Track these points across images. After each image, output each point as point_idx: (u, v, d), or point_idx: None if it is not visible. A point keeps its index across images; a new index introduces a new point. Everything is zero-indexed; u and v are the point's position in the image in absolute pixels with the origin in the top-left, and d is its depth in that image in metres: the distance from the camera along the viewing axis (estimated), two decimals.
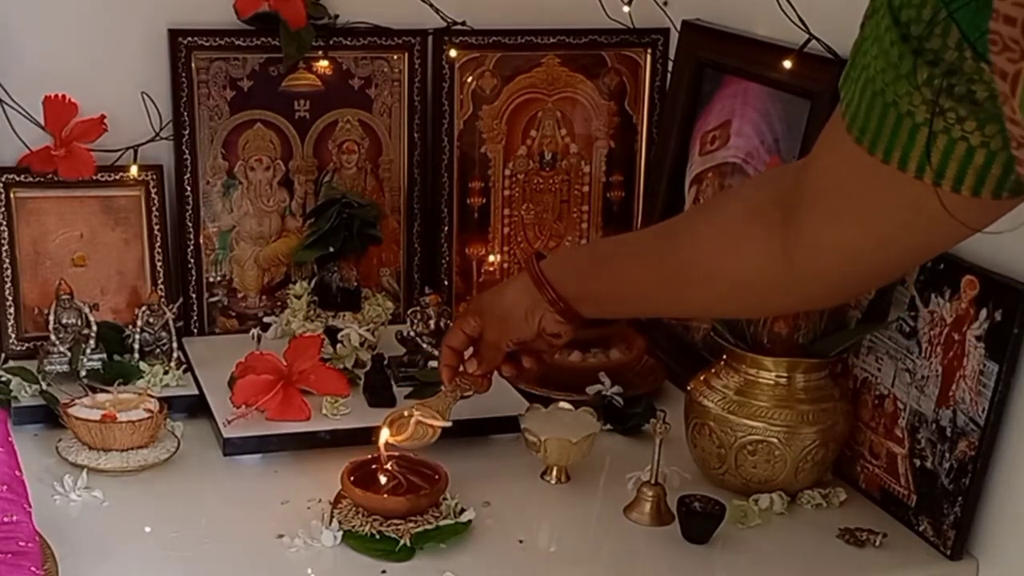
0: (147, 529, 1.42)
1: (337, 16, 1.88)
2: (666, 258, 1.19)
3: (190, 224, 1.86)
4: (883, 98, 0.80)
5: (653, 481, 1.47)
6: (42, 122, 1.77)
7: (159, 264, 1.83)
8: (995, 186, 0.80)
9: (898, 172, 0.82)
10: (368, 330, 1.78)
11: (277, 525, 1.42)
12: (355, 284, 1.86)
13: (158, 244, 1.83)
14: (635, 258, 1.26)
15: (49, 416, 1.62)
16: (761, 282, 1.07)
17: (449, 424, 1.49)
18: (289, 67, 1.86)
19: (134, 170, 1.81)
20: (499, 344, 1.44)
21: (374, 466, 1.45)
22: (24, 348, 1.77)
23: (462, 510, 1.43)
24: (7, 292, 1.77)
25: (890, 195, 0.85)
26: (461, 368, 1.51)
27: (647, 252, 1.24)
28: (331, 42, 1.87)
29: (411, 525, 1.39)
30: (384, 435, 1.45)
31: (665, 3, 1.99)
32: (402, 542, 1.37)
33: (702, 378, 1.56)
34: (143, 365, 1.70)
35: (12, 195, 1.77)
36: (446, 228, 1.98)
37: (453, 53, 1.92)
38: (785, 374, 1.50)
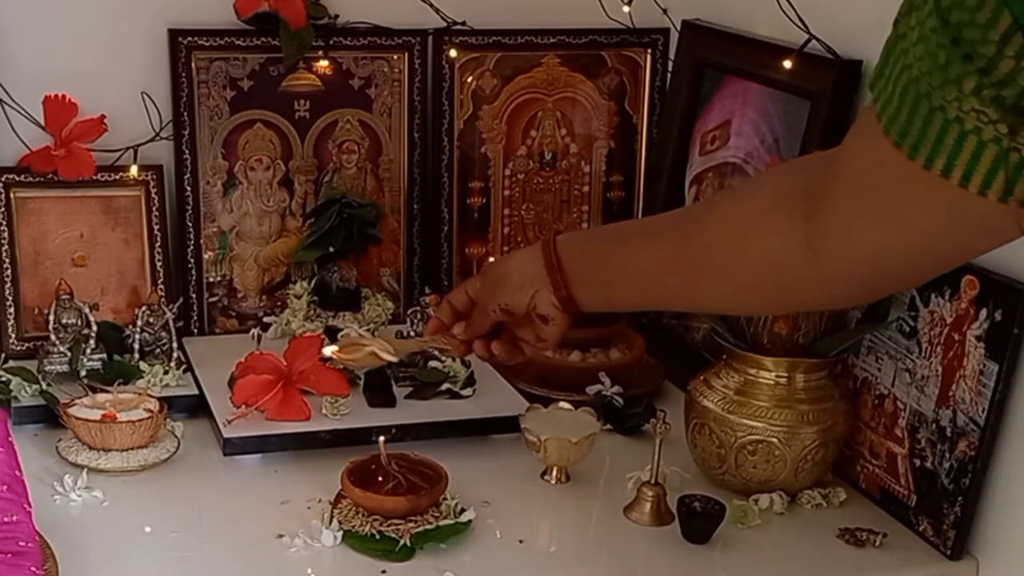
0: (147, 529, 1.42)
1: (337, 16, 1.88)
2: (686, 241, 1.13)
3: (190, 224, 1.86)
4: (929, 101, 0.77)
5: (653, 481, 1.47)
6: (42, 122, 1.77)
7: (159, 264, 1.83)
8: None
9: (940, 178, 0.79)
10: (368, 330, 1.78)
11: (277, 525, 1.42)
12: (355, 284, 1.86)
13: (158, 244, 1.83)
14: (653, 238, 1.19)
15: (49, 416, 1.62)
16: (784, 273, 1.02)
17: (395, 360, 1.42)
18: (289, 67, 1.86)
19: (134, 170, 1.81)
20: (487, 307, 1.31)
21: (374, 466, 1.45)
22: (24, 348, 1.77)
23: (462, 510, 1.43)
24: (7, 292, 1.77)
25: (929, 201, 0.82)
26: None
27: (666, 234, 1.18)
28: (331, 42, 1.87)
29: (411, 525, 1.39)
30: (330, 349, 1.40)
31: (665, 11, 1.99)
32: (402, 542, 1.37)
33: (702, 378, 1.56)
34: (143, 365, 1.70)
35: (12, 195, 1.77)
36: (446, 228, 1.98)
37: (453, 53, 1.92)
38: (785, 374, 1.50)
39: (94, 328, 1.70)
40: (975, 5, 0.73)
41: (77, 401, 1.59)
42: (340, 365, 1.41)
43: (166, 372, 1.70)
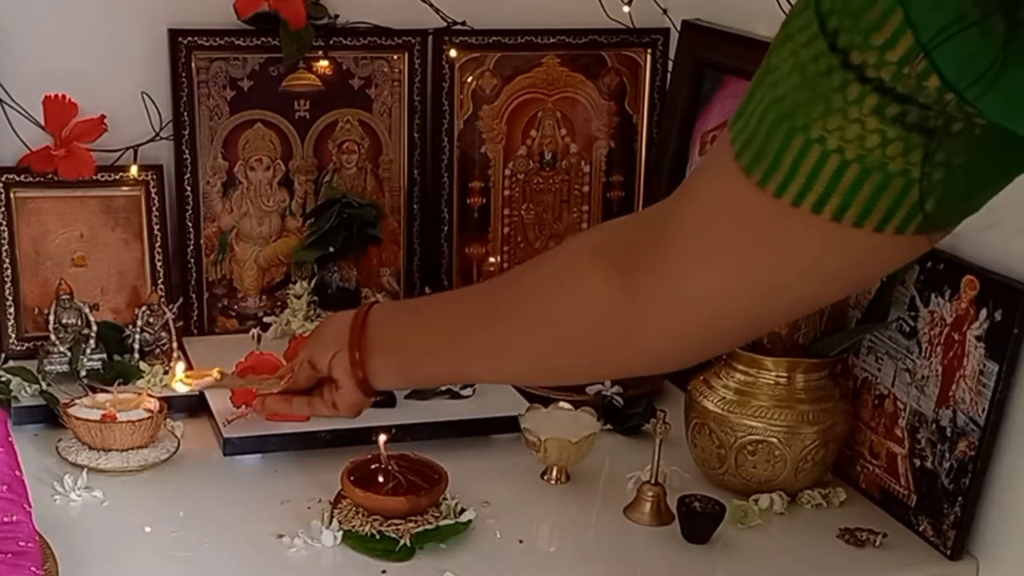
0: (147, 529, 1.42)
1: (337, 16, 1.88)
2: (496, 297, 1.05)
3: (190, 224, 1.86)
4: (806, 133, 0.72)
5: (653, 481, 1.47)
6: (42, 122, 1.77)
7: (159, 264, 1.83)
8: (901, 221, 0.73)
9: (791, 208, 0.74)
10: None
11: (277, 525, 1.42)
12: (355, 284, 1.86)
13: (158, 244, 1.83)
14: (463, 298, 1.14)
15: (49, 416, 1.62)
16: (601, 331, 0.92)
17: (192, 390, 1.43)
18: (289, 67, 1.86)
19: (134, 170, 1.81)
20: (301, 358, 1.26)
21: (374, 466, 1.45)
22: (24, 348, 1.77)
23: (462, 510, 1.43)
24: (7, 292, 1.77)
25: (797, 240, 0.76)
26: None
27: (477, 293, 1.13)
28: (331, 42, 1.87)
29: (411, 525, 1.39)
30: (180, 368, 1.41)
31: (665, 11, 1.99)
32: (402, 542, 1.37)
33: (702, 378, 1.56)
34: (143, 365, 1.70)
35: (12, 195, 1.77)
36: (446, 228, 1.98)
37: (453, 53, 1.92)
38: (785, 374, 1.50)
39: (94, 328, 1.70)
40: (870, 27, 0.68)
41: (77, 401, 1.59)
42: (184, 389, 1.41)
43: (166, 372, 1.70)
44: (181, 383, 1.38)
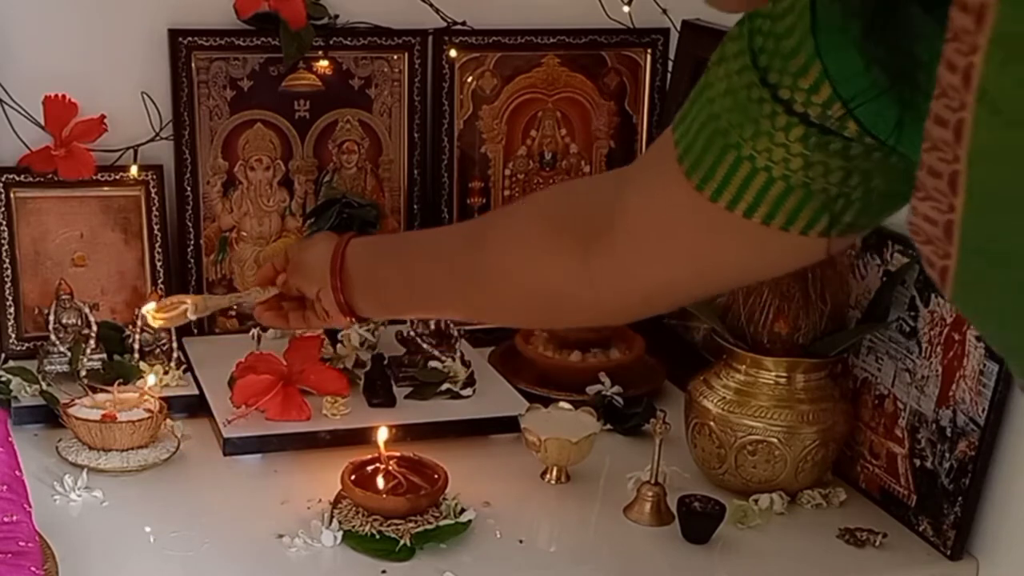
0: (147, 529, 1.42)
1: (337, 16, 1.88)
2: (465, 258, 1.16)
3: (190, 224, 1.86)
4: (737, 151, 0.81)
5: (653, 481, 1.47)
6: (42, 122, 1.77)
7: (159, 264, 1.83)
8: (828, 224, 0.83)
9: (725, 212, 0.84)
10: (368, 330, 1.78)
11: (277, 525, 1.42)
12: None
13: (158, 244, 1.83)
14: (434, 253, 1.22)
15: (49, 416, 1.62)
16: (560, 301, 1.05)
17: (196, 316, 1.41)
18: (289, 67, 1.86)
19: (134, 170, 1.81)
20: (289, 282, 1.37)
21: (374, 466, 1.45)
22: (24, 348, 1.77)
23: (462, 510, 1.43)
24: (7, 292, 1.77)
25: (731, 241, 0.87)
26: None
27: (446, 250, 1.20)
28: (331, 42, 1.87)
29: (411, 525, 1.39)
30: (148, 308, 1.39)
31: (664, 11, 1.99)
32: (402, 542, 1.37)
33: (702, 378, 1.56)
34: (143, 365, 1.70)
35: (12, 195, 1.77)
36: None
37: (453, 53, 1.92)
38: (785, 374, 1.50)
39: (94, 328, 1.70)
40: (796, 71, 0.77)
41: (77, 401, 1.59)
42: (159, 324, 1.41)
43: (166, 372, 1.70)
44: (154, 319, 1.38)
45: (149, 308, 1.39)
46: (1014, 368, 0.71)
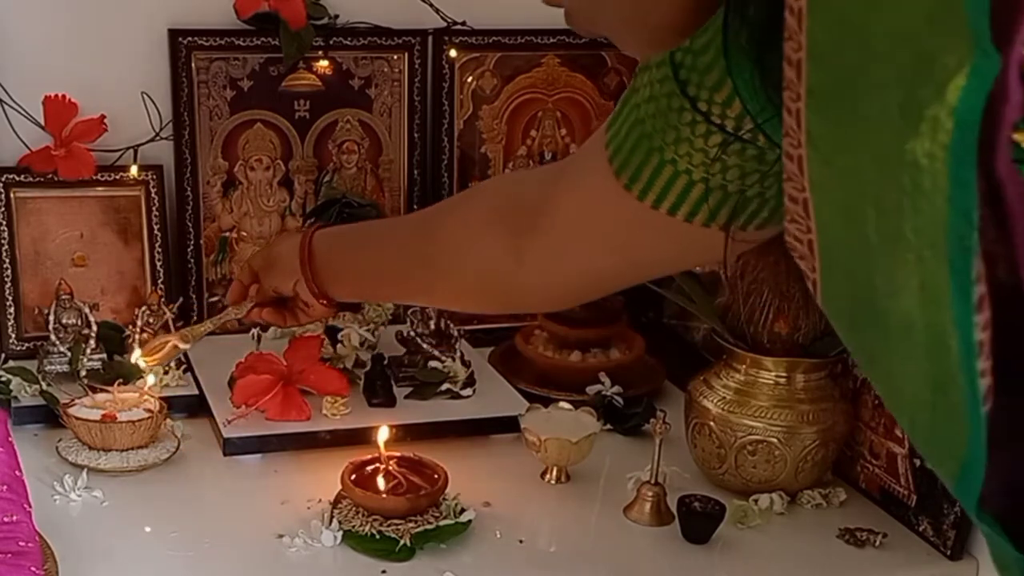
0: (147, 529, 1.42)
1: (337, 16, 1.88)
2: (419, 246, 1.22)
3: (190, 224, 1.86)
4: (661, 155, 0.89)
5: (653, 481, 1.47)
6: (42, 122, 1.77)
7: (159, 264, 1.83)
8: (747, 220, 0.90)
9: (667, 217, 0.91)
10: (368, 330, 1.78)
11: (277, 525, 1.42)
12: None
13: (158, 244, 1.83)
14: (393, 244, 1.28)
15: (49, 416, 1.62)
16: (497, 285, 1.13)
17: (188, 347, 1.49)
18: (289, 67, 1.86)
19: (134, 170, 1.81)
20: (263, 284, 1.44)
21: (374, 466, 1.45)
22: (24, 348, 1.77)
23: (462, 510, 1.43)
24: (7, 292, 1.77)
25: (655, 236, 0.94)
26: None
27: (403, 240, 1.27)
28: (331, 42, 1.87)
29: (411, 525, 1.39)
30: (136, 355, 1.48)
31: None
32: (402, 542, 1.37)
33: (702, 378, 1.56)
34: (143, 364, 1.70)
35: (12, 195, 1.77)
36: None
37: (453, 53, 1.92)
38: (785, 374, 1.50)
39: (94, 328, 1.70)
40: (712, 86, 0.84)
41: (77, 401, 1.59)
42: (151, 365, 1.50)
43: (166, 372, 1.70)
44: (146, 363, 1.46)
45: (137, 355, 1.47)
46: (867, 373, 0.75)
